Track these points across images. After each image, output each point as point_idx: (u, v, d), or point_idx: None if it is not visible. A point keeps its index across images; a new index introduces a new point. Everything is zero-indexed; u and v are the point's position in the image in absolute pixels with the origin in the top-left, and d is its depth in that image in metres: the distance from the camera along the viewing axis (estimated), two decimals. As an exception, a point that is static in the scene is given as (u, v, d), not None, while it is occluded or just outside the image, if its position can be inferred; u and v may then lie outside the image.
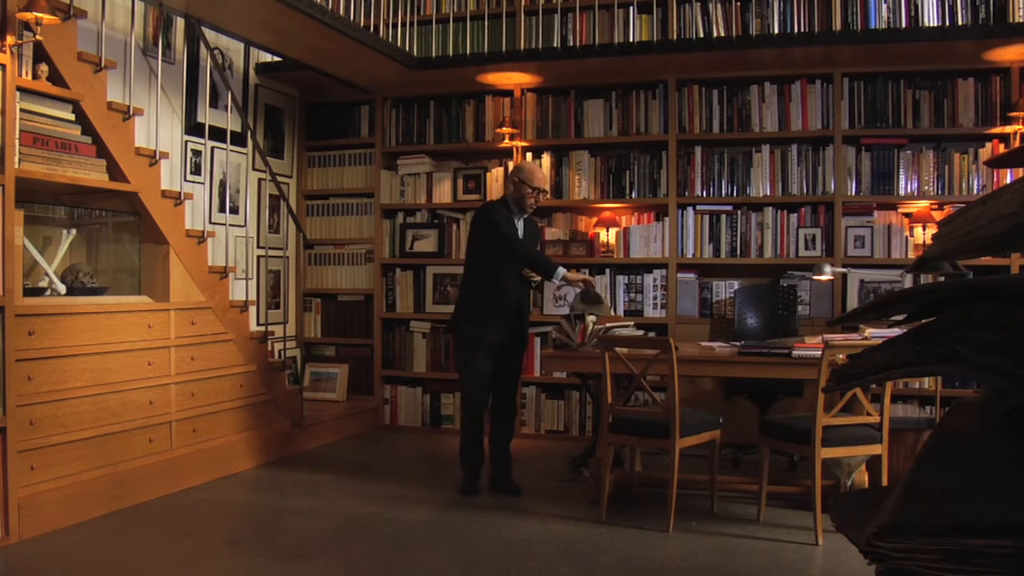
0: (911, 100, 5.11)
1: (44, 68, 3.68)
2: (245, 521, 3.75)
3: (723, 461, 4.50)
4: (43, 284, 3.83)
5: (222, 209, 5.31)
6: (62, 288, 3.86)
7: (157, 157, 4.26)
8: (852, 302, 5.14)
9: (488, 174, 5.87)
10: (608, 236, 5.62)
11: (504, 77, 5.64)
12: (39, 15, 3.39)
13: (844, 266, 4.99)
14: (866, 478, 3.71)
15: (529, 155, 5.76)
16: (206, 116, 5.12)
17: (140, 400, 4.01)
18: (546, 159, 5.73)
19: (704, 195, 5.43)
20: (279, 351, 5.75)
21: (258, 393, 4.86)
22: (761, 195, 5.33)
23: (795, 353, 3.71)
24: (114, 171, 4.02)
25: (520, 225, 4.23)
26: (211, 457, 4.41)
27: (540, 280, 4.33)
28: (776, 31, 5.16)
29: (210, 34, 4.89)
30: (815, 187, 5.25)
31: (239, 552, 3.29)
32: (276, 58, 5.59)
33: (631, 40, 5.38)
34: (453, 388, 5.71)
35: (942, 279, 4.19)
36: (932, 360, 0.96)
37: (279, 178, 5.58)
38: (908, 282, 4.92)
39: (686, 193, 5.45)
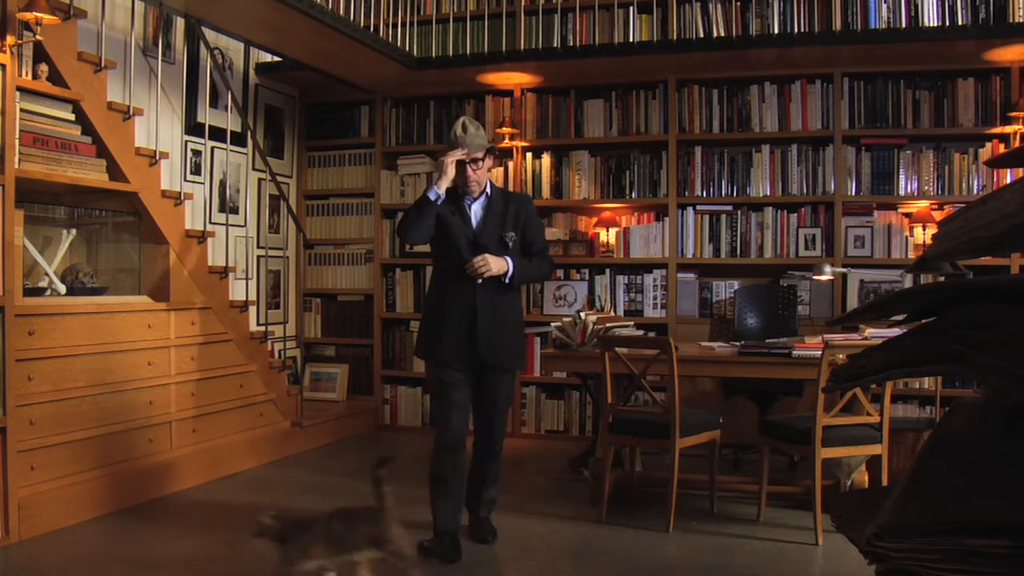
0: (911, 100, 5.11)
1: (44, 68, 3.68)
2: (245, 521, 3.74)
3: (723, 461, 4.49)
4: (43, 284, 3.83)
5: (222, 209, 5.31)
6: (62, 288, 3.86)
7: (157, 157, 4.26)
8: (852, 302, 5.14)
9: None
10: (608, 236, 5.62)
11: (504, 77, 5.64)
12: (39, 15, 3.39)
13: (844, 266, 4.99)
14: (866, 478, 3.71)
15: (529, 155, 5.77)
16: (206, 116, 5.12)
17: (140, 400, 4.01)
18: (546, 159, 5.73)
19: (704, 195, 5.43)
20: (279, 351, 5.75)
21: (258, 393, 4.86)
22: (761, 195, 5.33)
23: (795, 353, 3.71)
24: (114, 171, 4.02)
25: (477, 209, 3.28)
26: (211, 457, 4.41)
27: (506, 276, 3.24)
28: (776, 31, 5.16)
29: (210, 34, 4.89)
30: (815, 187, 5.25)
31: (239, 552, 3.29)
32: (276, 58, 5.59)
33: (631, 40, 5.38)
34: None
35: (942, 279, 4.19)
36: (932, 360, 0.96)
37: (279, 178, 5.58)
38: (908, 282, 4.92)
39: (686, 193, 5.45)
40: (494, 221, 3.28)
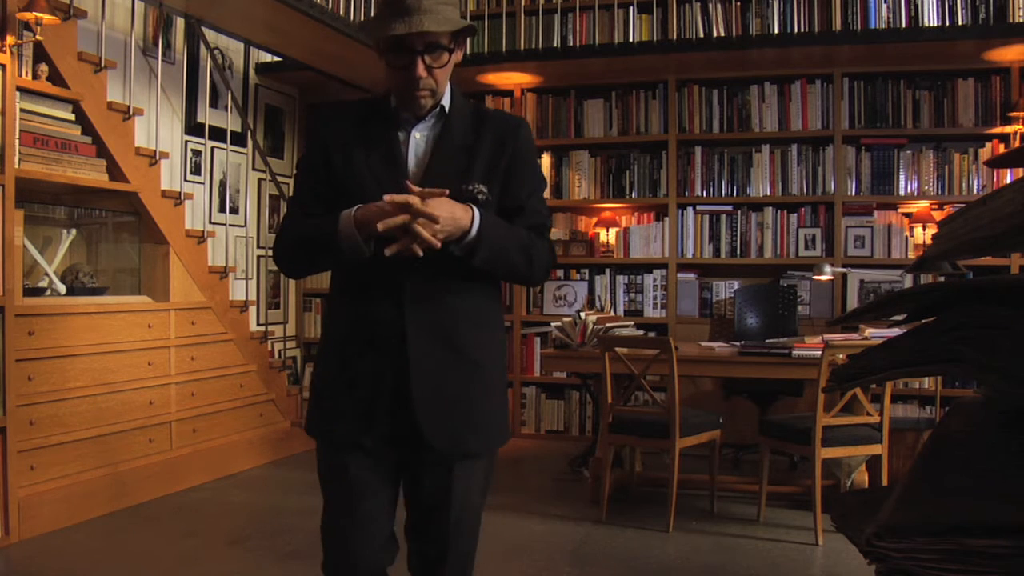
0: (911, 100, 5.11)
1: (44, 68, 3.68)
2: (245, 521, 3.75)
3: (723, 461, 4.49)
4: (43, 284, 3.83)
5: (222, 209, 5.31)
6: (62, 288, 3.86)
7: (157, 157, 4.26)
8: (852, 302, 5.14)
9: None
10: (608, 236, 5.62)
11: (504, 77, 5.64)
12: (39, 15, 3.39)
13: (844, 266, 4.99)
14: (866, 478, 3.71)
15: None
16: (206, 116, 5.12)
17: (140, 400, 4.01)
18: (546, 159, 5.73)
19: (704, 195, 5.43)
20: (279, 351, 5.75)
21: (258, 393, 4.86)
22: (761, 195, 5.33)
23: (795, 353, 3.71)
24: (114, 171, 4.02)
25: (420, 140, 1.70)
26: (211, 457, 4.41)
27: (462, 242, 1.62)
28: (776, 31, 5.16)
29: (210, 34, 4.89)
30: (815, 187, 5.25)
31: (239, 552, 3.29)
32: (276, 58, 5.58)
33: (631, 40, 5.38)
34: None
35: (942, 279, 4.19)
36: (932, 360, 0.96)
37: (279, 178, 5.58)
38: (908, 282, 4.92)
39: (686, 193, 5.45)
40: (449, 162, 1.68)
